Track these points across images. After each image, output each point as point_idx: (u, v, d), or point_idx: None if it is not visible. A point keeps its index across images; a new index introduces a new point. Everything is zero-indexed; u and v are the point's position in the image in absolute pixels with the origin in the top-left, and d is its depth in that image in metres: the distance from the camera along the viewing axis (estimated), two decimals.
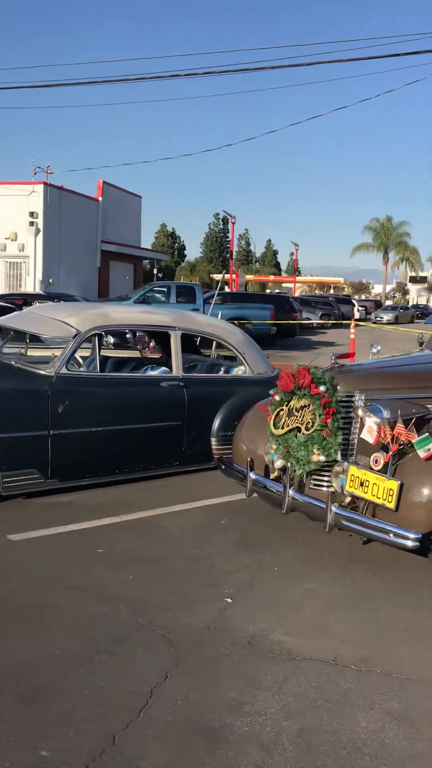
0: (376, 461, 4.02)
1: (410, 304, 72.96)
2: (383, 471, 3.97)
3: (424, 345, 6.19)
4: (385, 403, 4.21)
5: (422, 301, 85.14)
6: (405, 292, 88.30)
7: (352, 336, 16.98)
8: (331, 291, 76.89)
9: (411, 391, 4.48)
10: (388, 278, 72.42)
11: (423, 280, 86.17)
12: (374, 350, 5.78)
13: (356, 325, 17.55)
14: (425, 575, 4.24)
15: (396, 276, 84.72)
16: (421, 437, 3.87)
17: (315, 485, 4.39)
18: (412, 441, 3.89)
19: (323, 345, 23.75)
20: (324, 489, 4.34)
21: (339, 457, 4.25)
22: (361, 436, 4.17)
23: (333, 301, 40.39)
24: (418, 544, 3.73)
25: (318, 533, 4.46)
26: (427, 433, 3.89)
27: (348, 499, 4.21)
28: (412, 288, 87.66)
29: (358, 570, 4.31)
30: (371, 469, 4.03)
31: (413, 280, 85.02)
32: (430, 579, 4.20)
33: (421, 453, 3.86)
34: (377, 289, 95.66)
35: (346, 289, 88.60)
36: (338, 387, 4.31)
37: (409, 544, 3.73)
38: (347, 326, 21.96)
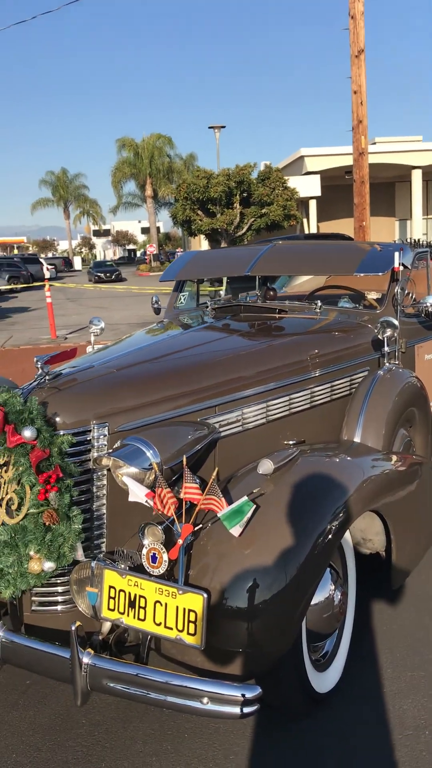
0: (154, 558, 2.11)
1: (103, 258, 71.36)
2: (168, 575, 2.09)
3: (162, 313, 4.39)
4: (148, 437, 2.31)
5: (109, 254, 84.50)
6: (91, 246, 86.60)
7: (49, 299, 14.78)
8: (15, 251, 72.09)
9: (182, 403, 2.62)
10: (72, 233, 70.18)
11: (106, 233, 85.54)
12: (96, 328, 3.81)
13: (50, 287, 15.31)
14: None
15: (80, 230, 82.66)
16: (234, 506, 2.04)
17: (41, 606, 2.36)
18: (219, 514, 2.06)
19: (16, 312, 21.02)
20: (60, 612, 2.33)
21: (81, 555, 2.26)
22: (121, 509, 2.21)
23: (19, 261, 36.86)
24: (256, 706, 1.95)
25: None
26: (245, 498, 2.07)
27: (107, 627, 2.27)
28: (98, 241, 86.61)
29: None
30: (146, 572, 2.12)
31: (97, 233, 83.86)
32: None
33: (236, 531, 2.05)
34: (63, 245, 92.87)
35: (31, 248, 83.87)
36: (58, 419, 2.28)
37: (239, 710, 1.94)
38: (40, 288, 19.51)
